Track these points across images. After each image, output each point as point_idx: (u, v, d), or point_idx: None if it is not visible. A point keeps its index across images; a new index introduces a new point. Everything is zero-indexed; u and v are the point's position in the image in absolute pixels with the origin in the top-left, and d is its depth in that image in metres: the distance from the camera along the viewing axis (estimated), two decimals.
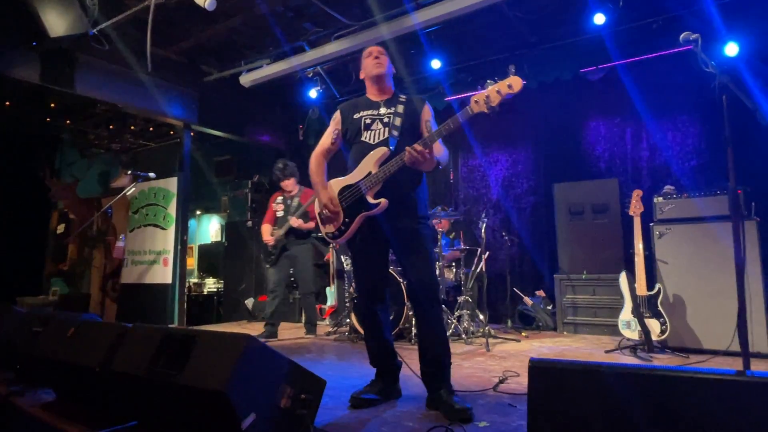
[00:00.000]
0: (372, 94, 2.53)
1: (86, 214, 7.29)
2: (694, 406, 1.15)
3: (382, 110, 2.45)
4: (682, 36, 2.32)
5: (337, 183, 2.47)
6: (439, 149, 2.34)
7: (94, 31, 4.22)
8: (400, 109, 2.43)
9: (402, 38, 4.59)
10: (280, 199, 4.92)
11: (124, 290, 6.25)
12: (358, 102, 2.54)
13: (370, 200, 2.33)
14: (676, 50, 4.38)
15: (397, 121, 2.39)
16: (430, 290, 2.32)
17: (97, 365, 2.00)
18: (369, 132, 2.42)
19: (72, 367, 2.16)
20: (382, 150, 2.33)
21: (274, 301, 4.73)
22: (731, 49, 4.14)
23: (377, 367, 2.52)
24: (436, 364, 2.30)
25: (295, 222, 4.65)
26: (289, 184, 4.87)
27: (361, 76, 2.56)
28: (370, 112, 2.46)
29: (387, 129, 2.39)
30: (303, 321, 5.06)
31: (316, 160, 2.61)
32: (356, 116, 2.49)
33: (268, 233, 4.78)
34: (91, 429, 1.95)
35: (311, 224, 4.70)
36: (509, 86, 2.05)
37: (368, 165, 2.35)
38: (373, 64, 2.47)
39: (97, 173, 7.42)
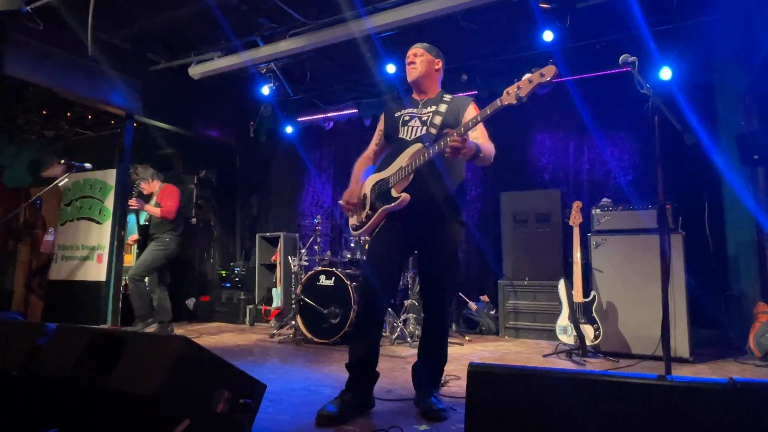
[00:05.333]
0: (415, 94, 2.52)
1: (12, 204, 6.76)
2: (621, 409, 1.21)
3: (423, 109, 2.43)
4: (621, 58, 2.45)
5: (372, 178, 2.45)
6: (484, 143, 2.27)
7: (28, 8, 3.94)
8: (443, 108, 2.39)
9: (361, 39, 4.58)
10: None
11: (52, 287, 5.84)
12: (403, 101, 2.53)
13: (393, 194, 2.29)
14: (616, 71, 4.65)
15: (437, 120, 2.35)
16: (445, 303, 2.39)
17: (14, 369, 1.85)
18: (406, 128, 2.41)
19: None
20: (418, 146, 2.28)
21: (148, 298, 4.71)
22: (665, 74, 4.43)
23: (355, 373, 2.30)
24: (434, 367, 2.41)
25: (135, 204, 4.65)
26: (148, 187, 4.86)
27: None
28: (410, 110, 2.46)
29: (425, 127, 2.36)
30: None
31: (360, 161, 2.60)
32: (397, 114, 2.48)
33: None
34: None
35: (155, 210, 4.68)
36: (542, 74, 1.99)
37: (402, 160, 2.32)
38: (408, 70, 2.46)
39: (27, 161, 6.91)
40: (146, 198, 4.82)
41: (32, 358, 1.84)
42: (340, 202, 2.50)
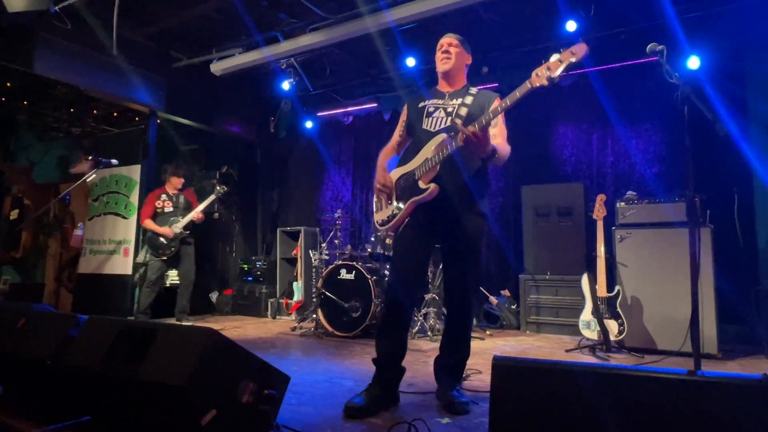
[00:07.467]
0: (441, 85, 2.50)
1: (42, 200, 6.97)
2: (649, 404, 1.19)
3: (449, 101, 2.40)
4: (649, 47, 2.39)
5: (396, 172, 2.44)
6: (501, 143, 2.24)
7: (56, 8, 4.03)
8: (468, 100, 2.36)
9: (380, 33, 4.57)
10: (164, 196, 5.17)
11: (80, 281, 6.01)
12: (427, 92, 2.51)
13: (421, 186, 2.27)
14: (642, 61, 4.53)
15: (463, 111, 2.32)
16: (468, 296, 2.37)
17: (48, 358, 1.91)
18: (430, 119, 2.38)
19: (21, 360, 2.06)
20: (443, 136, 2.24)
21: (153, 293, 4.94)
22: (693, 63, 4.30)
23: (382, 368, 2.30)
24: (456, 361, 2.41)
25: (198, 216, 5.12)
26: (179, 182, 5.26)
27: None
28: (435, 101, 2.43)
29: (449, 118, 2.33)
30: (177, 310, 5.17)
31: (384, 152, 2.59)
32: (421, 105, 2.46)
33: (158, 227, 5.00)
34: (41, 425, 1.86)
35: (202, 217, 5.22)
36: (572, 53, 1.89)
37: (427, 151, 2.29)
38: (440, 60, 2.43)
39: (56, 158, 7.10)
40: (176, 199, 5.21)
41: (65, 349, 1.90)
42: (376, 184, 2.45)
